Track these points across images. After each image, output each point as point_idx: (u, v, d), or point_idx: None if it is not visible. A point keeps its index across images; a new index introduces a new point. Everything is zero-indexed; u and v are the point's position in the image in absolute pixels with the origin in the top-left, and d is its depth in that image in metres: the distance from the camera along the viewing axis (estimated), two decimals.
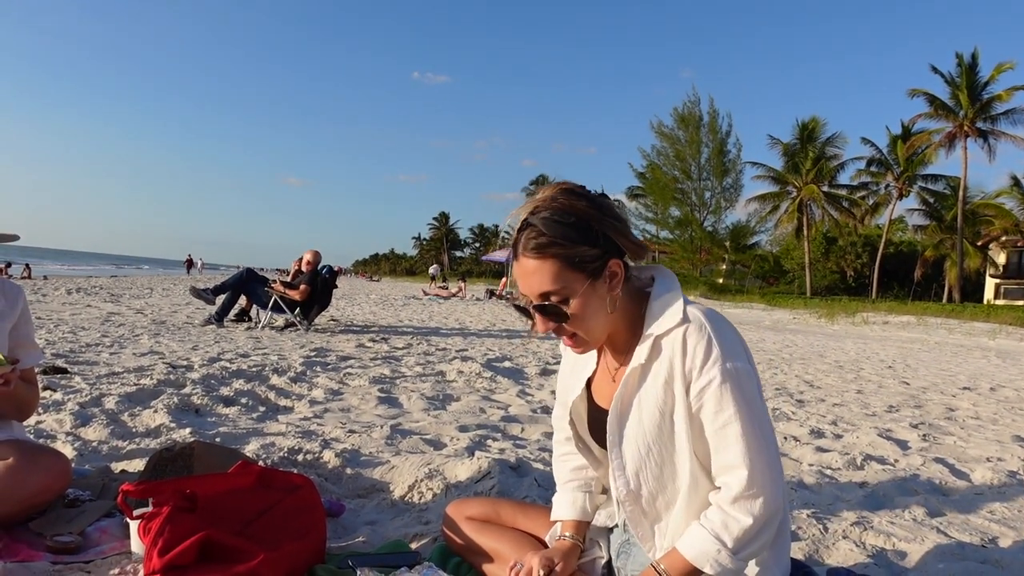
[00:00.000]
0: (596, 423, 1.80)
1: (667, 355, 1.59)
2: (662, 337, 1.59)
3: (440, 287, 33.34)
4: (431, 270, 36.57)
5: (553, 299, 1.58)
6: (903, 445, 4.52)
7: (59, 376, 5.00)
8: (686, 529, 1.61)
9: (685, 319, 1.57)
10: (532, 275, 1.58)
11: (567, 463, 1.97)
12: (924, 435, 4.84)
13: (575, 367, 1.87)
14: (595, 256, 1.58)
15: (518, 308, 1.68)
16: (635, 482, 1.66)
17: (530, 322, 1.66)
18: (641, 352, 1.62)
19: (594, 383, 1.82)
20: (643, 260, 1.70)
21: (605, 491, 1.95)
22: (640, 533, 1.70)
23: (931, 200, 50.04)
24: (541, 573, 1.75)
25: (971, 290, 50.69)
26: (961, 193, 43.43)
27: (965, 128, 42.18)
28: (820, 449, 4.22)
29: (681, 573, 1.56)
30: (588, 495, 1.93)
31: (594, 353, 1.82)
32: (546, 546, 1.91)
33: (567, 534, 1.89)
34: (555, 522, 1.95)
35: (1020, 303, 42.16)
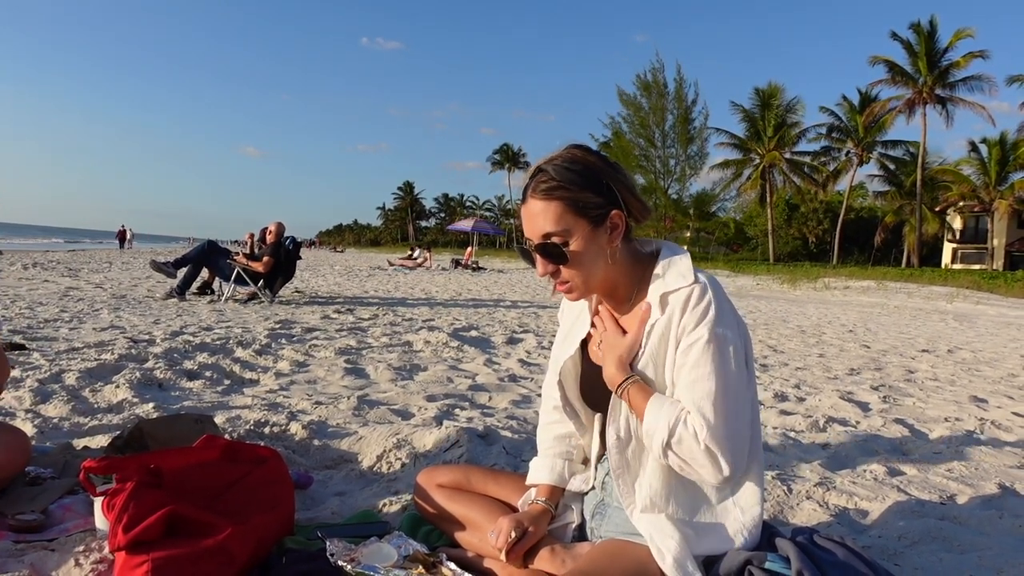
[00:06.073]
0: (589, 382, 1.82)
1: (670, 311, 1.63)
2: (670, 294, 1.64)
3: (406, 257, 33.17)
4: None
5: (555, 239, 1.63)
6: (864, 407, 4.61)
7: (17, 352, 4.90)
8: (661, 486, 1.66)
9: (696, 280, 1.63)
10: (537, 216, 1.65)
11: (551, 430, 1.99)
12: (884, 397, 4.94)
13: (570, 331, 1.90)
14: (599, 204, 1.64)
15: (521, 250, 1.75)
16: (625, 432, 1.70)
17: (531, 265, 1.72)
18: (651, 312, 1.67)
19: (591, 342, 1.84)
20: (646, 221, 1.75)
21: (585, 461, 1.96)
22: (622, 487, 1.72)
23: (891, 166, 50.68)
24: (513, 535, 1.77)
25: (929, 255, 51.71)
26: (920, 159, 44.02)
27: (924, 95, 42.65)
28: (784, 412, 4.29)
29: (636, 404, 1.64)
30: (567, 463, 1.95)
31: (587, 316, 1.85)
32: (517, 512, 1.92)
33: (540, 499, 1.90)
34: (530, 487, 1.97)
35: (976, 267, 43.11)
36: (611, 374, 1.69)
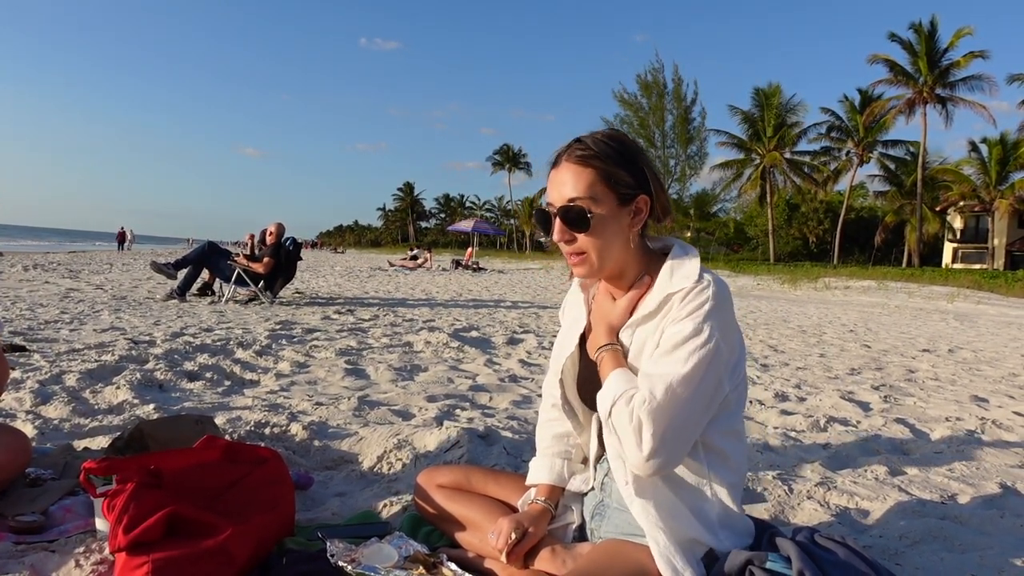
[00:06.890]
0: (585, 379, 1.80)
1: (668, 307, 1.62)
2: (674, 294, 1.62)
3: (406, 258, 33.17)
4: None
5: (579, 204, 1.62)
6: (865, 407, 4.60)
7: (17, 354, 4.90)
8: (656, 483, 1.63)
9: (699, 280, 1.60)
10: (567, 181, 1.64)
11: (550, 429, 1.98)
12: (885, 396, 4.94)
13: (570, 329, 1.88)
14: (630, 184, 1.64)
15: (539, 213, 1.72)
16: None
17: (545, 233, 1.70)
18: (650, 303, 1.65)
19: (588, 338, 1.82)
20: (665, 222, 1.73)
21: (584, 461, 1.95)
22: (615, 470, 1.70)
23: (891, 166, 50.66)
24: (513, 536, 1.76)
25: (930, 255, 51.70)
26: (921, 159, 44.00)
27: (924, 94, 42.63)
28: (784, 412, 4.28)
29: (604, 370, 1.67)
30: (566, 462, 1.94)
31: (584, 312, 1.84)
32: (518, 512, 1.91)
33: (540, 499, 1.90)
34: (530, 487, 1.96)
35: (977, 267, 43.12)
36: (596, 339, 1.72)
